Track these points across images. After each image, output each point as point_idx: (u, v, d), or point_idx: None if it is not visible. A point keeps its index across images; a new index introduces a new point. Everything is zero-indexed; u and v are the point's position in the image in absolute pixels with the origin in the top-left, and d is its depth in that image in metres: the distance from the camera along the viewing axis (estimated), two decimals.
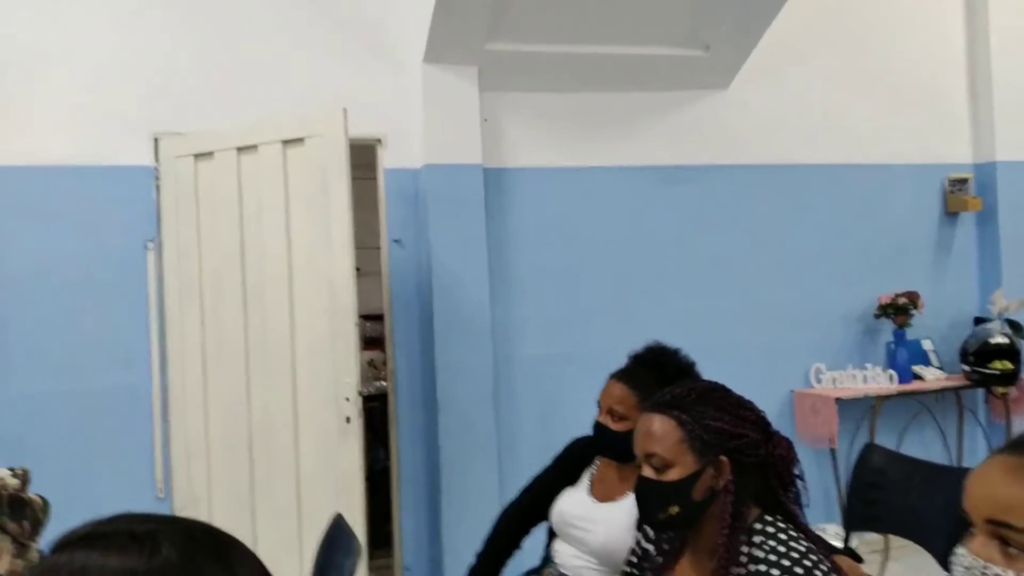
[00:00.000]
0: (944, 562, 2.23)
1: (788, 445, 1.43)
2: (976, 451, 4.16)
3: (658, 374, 1.98)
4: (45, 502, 1.59)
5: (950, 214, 4.23)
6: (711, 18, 3.44)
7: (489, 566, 2.20)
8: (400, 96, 3.41)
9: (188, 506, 3.09)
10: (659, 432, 1.39)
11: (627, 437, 1.96)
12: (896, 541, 3.51)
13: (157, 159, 3.15)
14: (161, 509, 3.13)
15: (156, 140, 3.16)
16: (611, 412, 1.99)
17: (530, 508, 2.17)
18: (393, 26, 3.43)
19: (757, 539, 1.35)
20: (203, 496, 3.07)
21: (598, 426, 2.03)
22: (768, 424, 1.44)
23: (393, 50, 3.43)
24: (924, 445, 4.00)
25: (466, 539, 3.31)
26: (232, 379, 3.03)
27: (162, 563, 0.62)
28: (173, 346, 3.12)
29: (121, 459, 3.14)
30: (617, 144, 3.73)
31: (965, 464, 4.05)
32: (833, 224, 4.04)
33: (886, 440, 3.63)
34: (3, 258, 3.06)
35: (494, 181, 3.51)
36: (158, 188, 3.16)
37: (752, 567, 1.30)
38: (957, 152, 4.28)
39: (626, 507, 1.97)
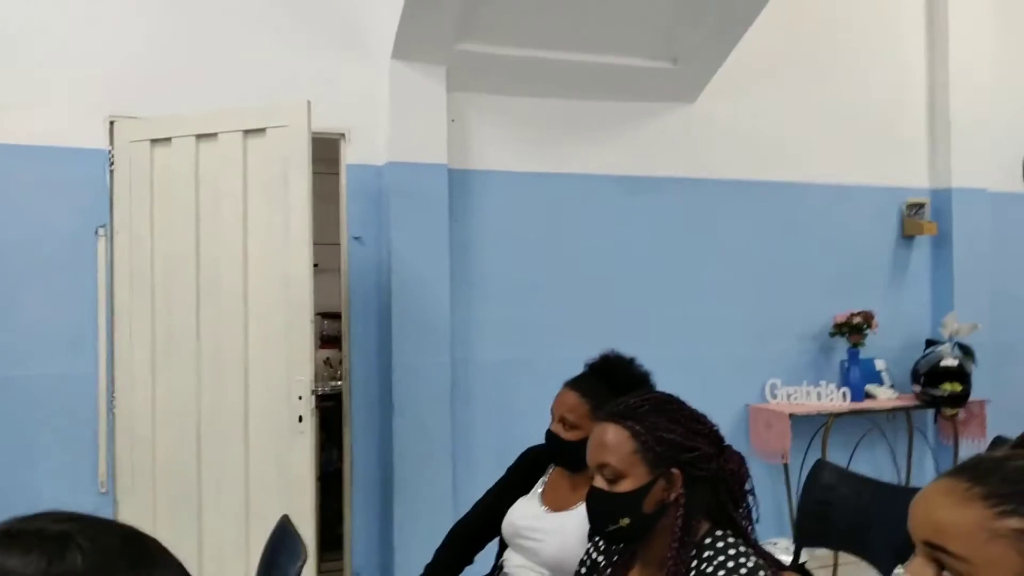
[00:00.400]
0: None
1: (740, 460, 1.42)
2: (924, 471, 4.23)
3: (611, 383, 1.97)
4: None
5: (906, 237, 4.30)
6: (681, 31, 3.46)
7: (441, 567, 2.16)
8: (366, 91, 3.36)
9: (131, 502, 3.00)
10: (612, 442, 1.37)
11: (579, 446, 1.94)
12: (845, 557, 3.54)
13: (112, 143, 3.06)
14: (103, 504, 3.03)
15: (112, 123, 3.06)
16: (563, 420, 1.97)
17: (483, 521, 2.14)
18: (363, 20, 3.38)
19: (706, 554, 1.33)
20: (148, 492, 2.98)
21: (550, 434, 2.02)
22: (721, 438, 1.42)
23: (362, 44, 3.38)
24: (874, 463, 4.05)
25: (418, 544, 3.26)
26: (182, 372, 2.95)
27: (64, 570, 0.57)
28: (122, 336, 3.03)
29: (63, 451, 3.04)
30: (583, 151, 3.73)
31: (913, 483, 4.11)
32: (793, 241, 4.08)
33: (837, 457, 3.66)
34: None
35: (459, 182, 3.47)
36: (111, 173, 3.07)
37: None
38: (915, 177, 4.36)
39: (578, 517, 1.94)
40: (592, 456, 1.40)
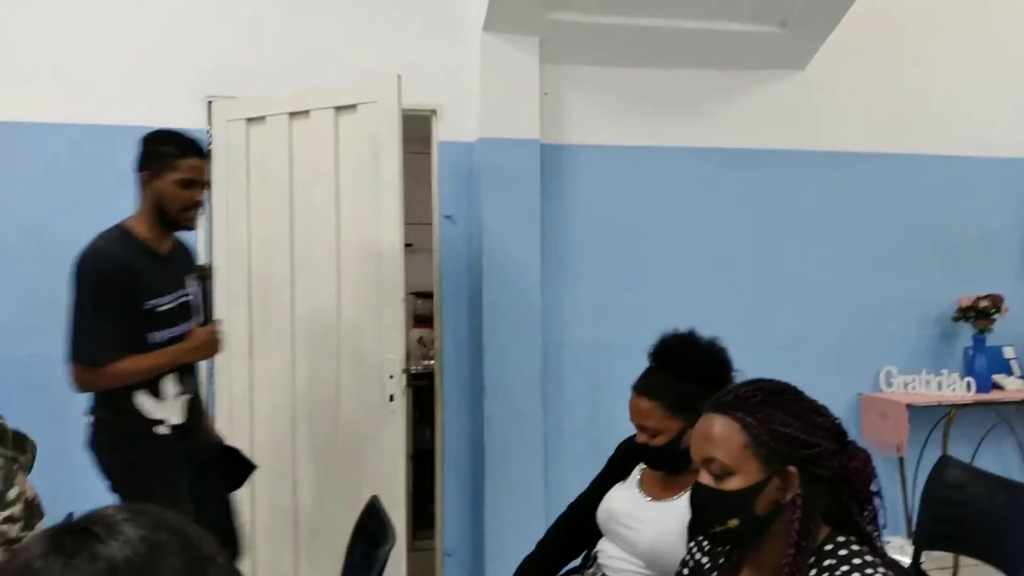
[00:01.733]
0: None
1: (866, 458, 1.28)
2: None
3: (677, 371, 1.85)
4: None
5: None
6: None
7: (536, 570, 2.08)
8: (457, 66, 3.29)
9: None
10: (720, 435, 1.24)
11: (669, 449, 1.83)
12: (966, 561, 3.29)
13: (210, 122, 3.09)
14: None
15: (209, 103, 3.10)
16: (643, 429, 1.87)
17: (585, 514, 2.04)
18: None
19: (827, 562, 1.19)
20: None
21: (638, 446, 1.91)
22: (844, 433, 1.28)
23: (452, 17, 3.30)
24: (1000, 459, 3.73)
25: (509, 526, 3.23)
26: (278, 350, 2.97)
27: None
28: (223, 315, 3.06)
29: None
30: (683, 124, 3.54)
31: None
32: (912, 217, 3.78)
33: (960, 452, 3.38)
34: (65, 213, 3.02)
35: (551, 158, 3.36)
36: (210, 152, 3.10)
37: None
38: None
39: (679, 508, 1.83)
40: (697, 449, 1.28)
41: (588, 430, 3.39)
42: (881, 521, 1.28)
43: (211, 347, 2.32)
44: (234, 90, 3.11)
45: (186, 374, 2.32)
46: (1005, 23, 3.90)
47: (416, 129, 3.22)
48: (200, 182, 2.27)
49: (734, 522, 1.22)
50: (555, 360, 3.38)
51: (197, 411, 2.39)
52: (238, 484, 2.51)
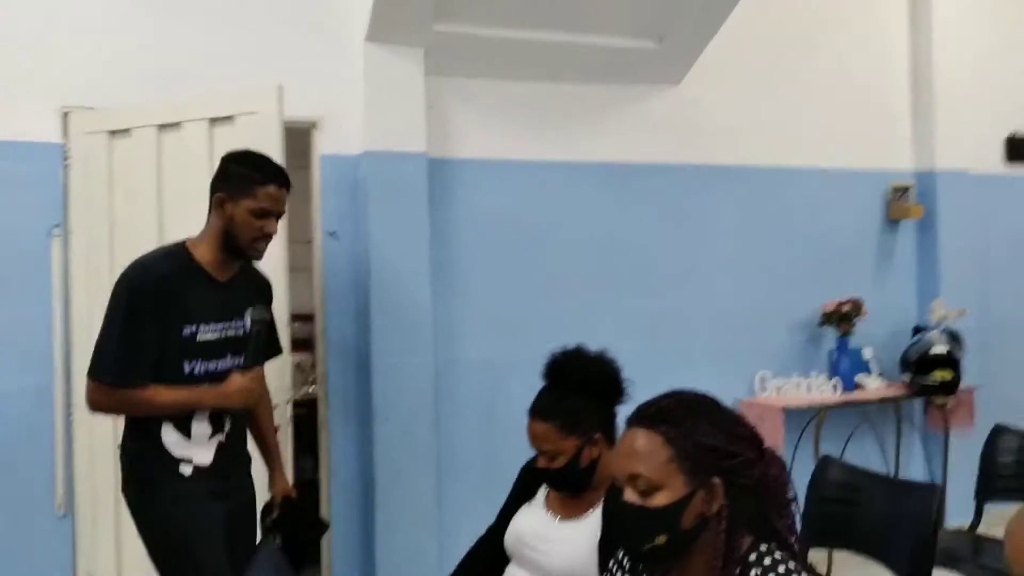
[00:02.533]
0: None
1: (782, 465, 1.29)
2: (914, 462, 4.18)
3: (562, 389, 1.84)
4: None
5: (892, 221, 4.24)
6: (667, 8, 3.32)
7: None
8: (339, 77, 3.17)
9: (92, 525, 2.79)
10: (644, 450, 1.23)
11: (569, 471, 1.81)
12: (839, 555, 3.46)
13: (66, 135, 2.84)
14: (61, 528, 2.84)
15: (65, 114, 2.84)
16: (543, 453, 1.83)
17: (496, 542, 1.98)
18: (334, 0, 3.19)
19: (753, 572, 1.20)
20: (110, 514, 2.76)
21: (540, 471, 1.87)
22: (761, 440, 1.29)
23: (333, 27, 3.18)
24: (864, 455, 3.96)
25: (401, 554, 3.12)
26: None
27: None
28: (80, 345, 2.81)
29: (17, 471, 2.82)
30: (566, 138, 3.59)
31: (903, 475, 4.05)
32: (779, 228, 3.99)
33: (828, 450, 3.56)
34: None
35: (438, 172, 3.31)
36: (66, 168, 2.85)
37: None
38: (900, 160, 4.30)
39: (588, 526, 1.81)
40: (621, 466, 1.25)
41: (484, 451, 3.34)
42: (797, 527, 1.30)
43: (244, 396, 2.08)
44: (97, 101, 2.87)
45: (225, 416, 2.11)
46: (857, 45, 4.19)
47: (295, 142, 3.08)
48: (276, 213, 2.10)
49: (662, 539, 1.21)
50: (447, 379, 3.32)
51: (235, 456, 2.15)
52: (302, 543, 2.31)
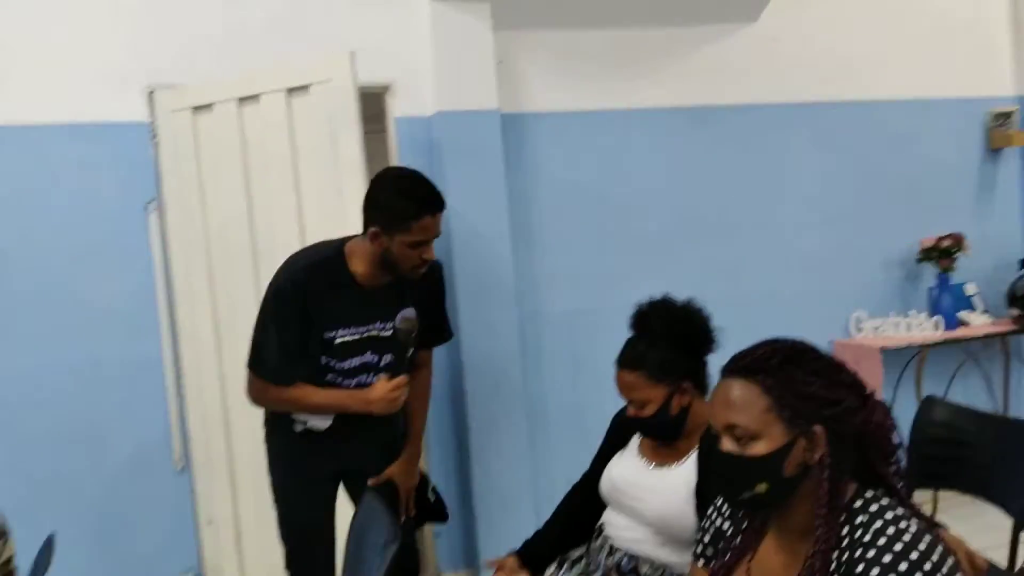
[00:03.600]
0: (1022, 521, 2.08)
1: (886, 410, 1.26)
2: (1022, 399, 3.99)
3: (650, 338, 1.83)
4: None
5: (993, 150, 3.99)
6: None
7: (546, 539, 2.04)
8: (409, 38, 3.16)
9: (208, 479, 2.96)
10: (741, 400, 1.21)
11: (659, 419, 1.81)
12: (945, 495, 3.36)
13: (152, 114, 2.93)
14: (181, 482, 3.02)
15: (151, 94, 2.94)
16: (632, 402, 1.85)
17: (591, 488, 2.00)
18: None
19: (859, 519, 1.17)
20: (224, 468, 2.93)
21: (630, 419, 1.89)
22: (864, 387, 1.25)
23: None
24: (969, 395, 3.82)
25: (498, 502, 3.19)
26: (247, 345, 2.85)
27: None
28: (183, 314, 2.95)
29: (137, 432, 3.00)
30: (641, 84, 3.49)
31: (1012, 412, 3.88)
32: (871, 165, 3.81)
33: (931, 390, 3.44)
34: None
35: (512, 127, 3.28)
36: (156, 145, 2.95)
37: (858, 551, 1.13)
38: (999, 85, 4.02)
39: (683, 472, 1.82)
40: (718, 416, 1.24)
41: (571, 400, 3.36)
42: (903, 472, 1.26)
43: (386, 405, 2.11)
44: (171, 76, 2.95)
45: None
46: None
47: (369, 106, 3.10)
48: (433, 238, 2.07)
49: (763, 487, 1.19)
50: (533, 333, 3.34)
51: (364, 426, 2.20)
52: (417, 521, 2.42)
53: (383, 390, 2.10)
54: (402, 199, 2.00)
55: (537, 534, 2.07)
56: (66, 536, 2.88)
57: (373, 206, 2.04)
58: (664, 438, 1.87)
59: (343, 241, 2.15)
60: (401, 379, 2.12)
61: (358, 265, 2.10)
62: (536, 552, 2.02)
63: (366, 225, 2.05)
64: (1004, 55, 4.02)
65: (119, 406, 2.98)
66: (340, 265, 2.10)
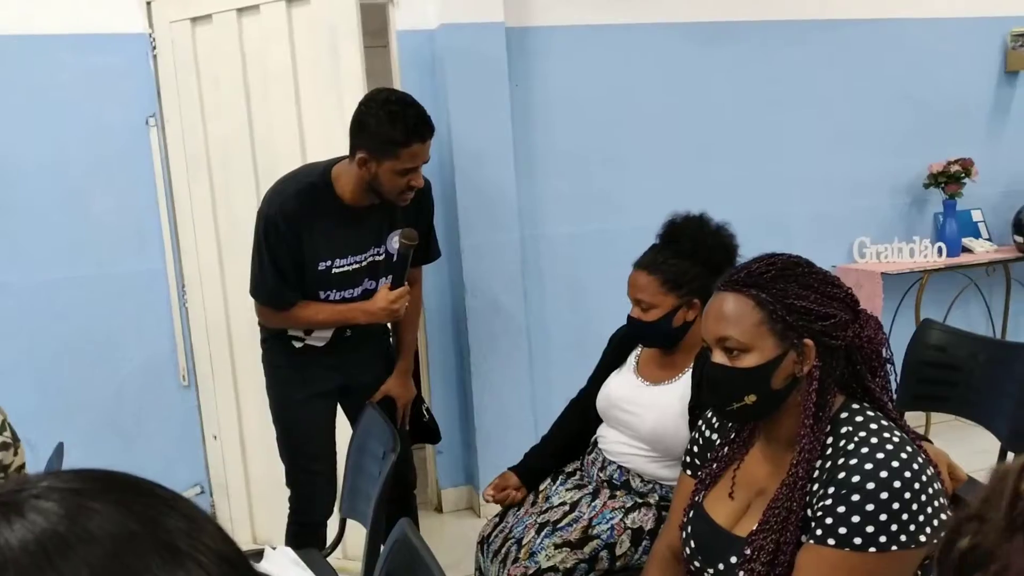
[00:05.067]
0: (1009, 442, 2.12)
1: (877, 325, 1.27)
2: (1021, 326, 4.01)
3: (678, 249, 1.85)
4: None
5: (1010, 73, 3.90)
6: None
7: (541, 455, 2.10)
8: None
9: (213, 393, 3.02)
10: (734, 313, 1.22)
11: (661, 326, 1.83)
12: (937, 417, 3.42)
13: (151, 25, 2.88)
14: (187, 397, 3.07)
15: (148, 3, 2.87)
16: (638, 303, 1.86)
17: (588, 406, 2.05)
18: None
19: (844, 429, 1.20)
20: (228, 382, 2.98)
21: (630, 320, 1.92)
22: (856, 301, 1.26)
23: None
24: (969, 320, 3.83)
25: (497, 422, 3.26)
26: (248, 260, 2.87)
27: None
28: (184, 229, 2.96)
29: (142, 346, 3.04)
30: None
31: (1010, 338, 3.90)
32: (884, 85, 3.72)
33: (931, 315, 3.44)
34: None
35: (517, 42, 3.21)
36: (155, 58, 2.90)
37: (840, 459, 1.16)
38: (1019, 3, 3.90)
39: (677, 389, 1.85)
40: (710, 329, 1.26)
41: (571, 321, 3.39)
42: (893, 386, 1.28)
43: (389, 314, 2.17)
44: None
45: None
46: None
47: (370, 21, 3.03)
48: (421, 165, 2.06)
49: (751, 398, 1.22)
50: (534, 254, 3.34)
51: (361, 341, 2.28)
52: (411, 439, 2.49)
53: (385, 300, 2.14)
54: (391, 125, 1.96)
55: (533, 449, 2.13)
56: (74, 447, 2.97)
57: (361, 131, 2.01)
58: (658, 345, 1.91)
59: (329, 165, 2.13)
60: (403, 288, 2.16)
61: (345, 189, 2.09)
62: (532, 466, 2.08)
63: (353, 149, 2.03)
64: None
65: (127, 320, 3.01)
66: (328, 190, 2.09)
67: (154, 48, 2.89)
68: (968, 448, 2.33)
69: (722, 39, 3.48)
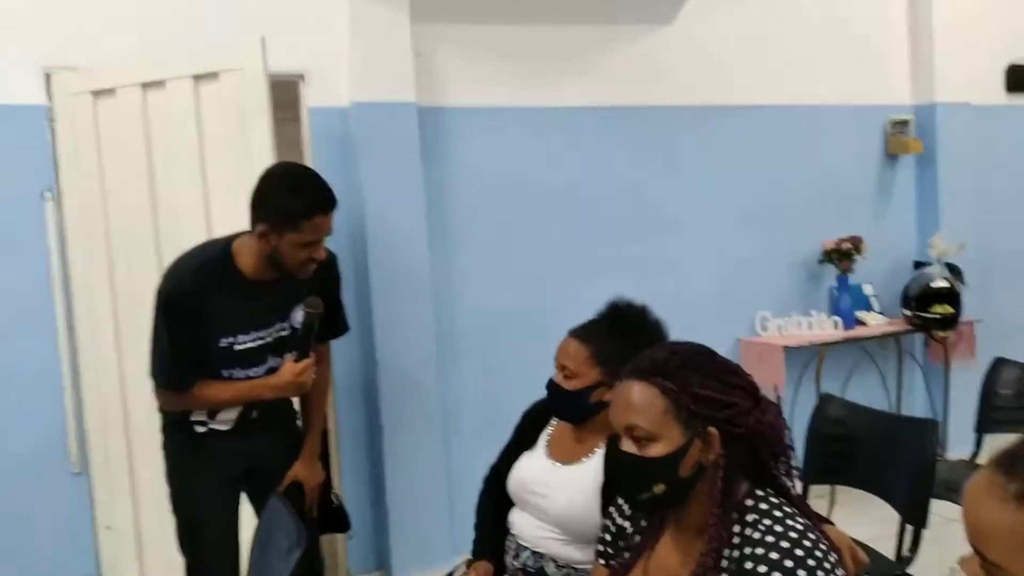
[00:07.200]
0: (906, 514, 2.19)
1: (777, 411, 1.30)
2: (915, 396, 4.21)
3: (616, 330, 1.87)
4: None
5: (891, 156, 4.19)
6: None
7: (490, 540, 2.04)
8: (324, 26, 3.10)
9: (107, 481, 2.84)
10: (640, 402, 1.23)
11: (579, 396, 1.84)
12: (842, 490, 3.52)
13: (50, 97, 2.79)
14: (78, 485, 2.88)
15: (48, 75, 2.79)
16: (563, 368, 1.87)
17: (500, 485, 2.01)
18: None
19: (750, 517, 1.21)
20: (123, 470, 2.82)
21: (549, 384, 1.92)
22: (757, 389, 1.30)
23: None
24: (865, 391, 4.00)
25: (411, 503, 3.18)
26: (148, 345, 2.75)
27: None
28: (81, 308, 2.82)
29: (31, 432, 2.86)
30: (559, 82, 3.52)
31: (905, 409, 4.09)
32: (777, 167, 3.94)
33: (830, 387, 3.59)
34: None
35: (430, 121, 3.26)
36: (53, 130, 2.81)
37: (748, 549, 1.17)
38: (898, 94, 4.22)
39: (588, 471, 1.85)
40: (618, 417, 1.26)
41: (487, 397, 3.37)
42: (795, 471, 1.31)
43: (296, 387, 2.11)
44: (74, 59, 2.81)
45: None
46: None
47: (283, 94, 3.03)
48: (323, 237, 2.01)
49: (660, 488, 1.22)
50: (448, 330, 3.33)
51: (267, 422, 2.19)
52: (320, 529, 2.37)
53: (291, 372, 2.08)
54: (292, 197, 1.96)
55: (480, 536, 2.06)
56: None
57: (262, 204, 1.99)
58: (569, 417, 1.91)
59: (230, 240, 2.09)
60: (308, 360, 2.10)
61: (248, 264, 2.05)
62: (495, 552, 2.01)
63: (254, 222, 2.00)
64: (903, 65, 4.22)
65: (13, 405, 2.83)
66: (229, 265, 2.05)
67: (52, 120, 2.80)
68: (869, 517, 2.42)
69: (624, 122, 3.62)
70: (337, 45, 3.11)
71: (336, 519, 2.43)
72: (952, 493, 2.70)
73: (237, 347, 2.06)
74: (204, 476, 2.16)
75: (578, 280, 3.47)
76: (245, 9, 3.00)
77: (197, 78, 2.63)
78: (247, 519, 2.22)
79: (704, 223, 3.79)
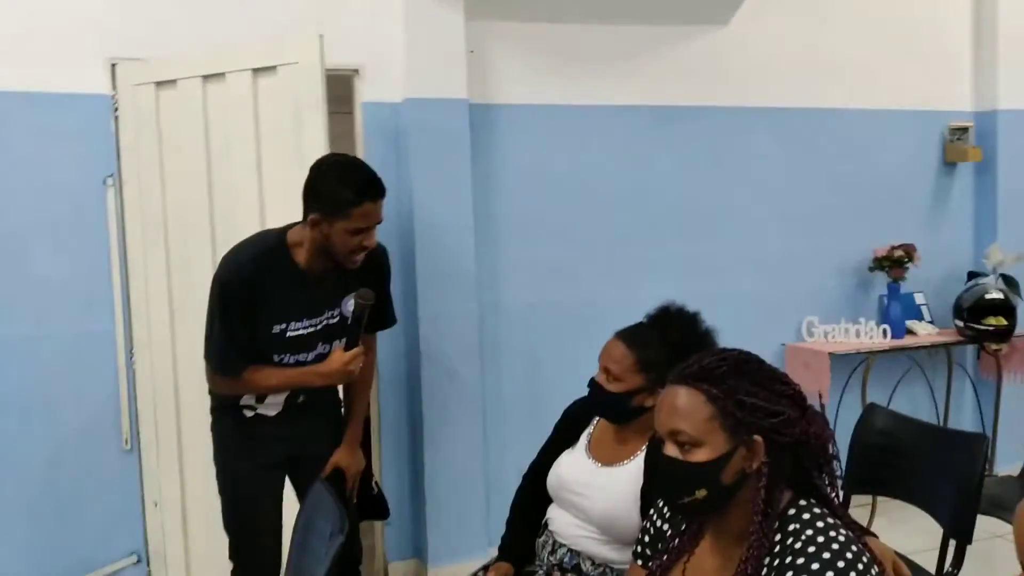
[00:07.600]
0: (951, 529, 2.15)
1: (824, 422, 1.30)
2: (964, 408, 4.12)
3: (664, 336, 1.87)
4: None
5: (948, 164, 4.10)
6: None
7: (519, 540, 2.07)
8: (381, 22, 3.14)
9: (156, 459, 2.93)
10: (686, 407, 1.24)
11: (621, 399, 1.85)
12: (883, 499, 3.46)
13: (115, 87, 2.88)
14: (128, 462, 2.98)
15: (113, 66, 2.88)
16: (607, 371, 1.89)
17: (540, 481, 2.04)
18: None
19: (791, 527, 1.21)
20: (172, 448, 2.90)
21: (592, 384, 1.94)
22: (804, 399, 1.29)
23: None
24: (913, 401, 3.93)
25: (449, 493, 3.22)
26: (202, 328, 2.82)
27: None
28: (137, 291, 2.91)
29: (85, 409, 2.96)
30: (611, 81, 3.51)
31: (952, 422, 4.01)
32: (830, 171, 3.88)
33: (876, 396, 3.53)
34: None
35: (480, 118, 3.28)
36: (116, 119, 2.90)
37: (788, 559, 1.17)
38: (958, 100, 4.13)
39: (630, 472, 1.86)
40: (663, 422, 1.27)
41: (527, 391, 3.40)
42: (839, 482, 1.31)
43: (344, 376, 2.16)
44: (138, 50, 2.89)
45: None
46: None
47: (338, 87, 3.08)
48: (374, 225, 2.07)
49: (702, 492, 1.23)
50: (492, 324, 3.35)
51: (313, 410, 2.26)
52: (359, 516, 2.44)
53: (340, 361, 2.12)
54: (342, 186, 2.01)
55: (510, 534, 2.09)
56: (8, 511, 2.86)
57: (313, 193, 2.04)
58: (610, 417, 1.92)
59: (284, 230, 2.15)
60: (358, 350, 2.14)
61: (301, 254, 2.10)
62: (520, 554, 2.04)
63: (306, 212, 2.06)
64: (965, 71, 4.13)
65: (68, 381, 2.93)
66: (284, 255, 2.10)
67: (116, 110, 2.88)
68: (911, 529, 2.39)
69: (673, 122, 3.60)
70: (392, 41, 3.15)
71: (375, 506, 2.48)
72: (999, 510, 2.65)
73: (290, 333, 2.12)
74: (249, 460, 2.23)
75: (622, 279, 3.47)
76: (303, 4, 3.06)
77: (256, 71, 2.69)
78: (290, 503, 2.28)
79: (752, 225, 3.76)
